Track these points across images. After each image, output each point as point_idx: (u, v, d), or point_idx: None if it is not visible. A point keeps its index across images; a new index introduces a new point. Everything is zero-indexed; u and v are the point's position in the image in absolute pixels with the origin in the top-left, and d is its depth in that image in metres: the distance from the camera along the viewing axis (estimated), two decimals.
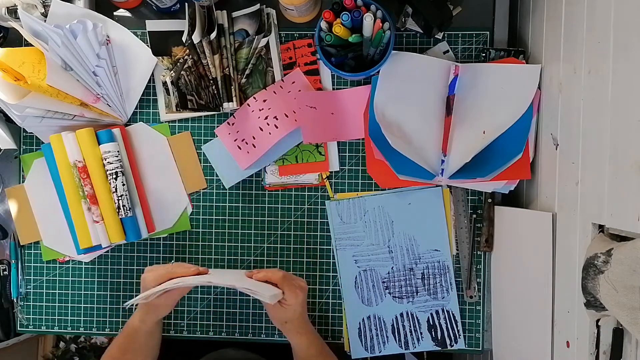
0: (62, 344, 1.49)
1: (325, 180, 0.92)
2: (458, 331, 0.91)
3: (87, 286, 0.96)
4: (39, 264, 0.96)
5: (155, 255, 0.95)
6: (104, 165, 0.86)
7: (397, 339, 0.92)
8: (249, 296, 0.91)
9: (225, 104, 0.88)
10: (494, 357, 0.91)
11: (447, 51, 0.90)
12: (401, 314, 0.91)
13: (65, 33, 0.81)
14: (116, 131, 0.88)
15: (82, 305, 0.96)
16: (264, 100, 0.89)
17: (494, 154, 0.82)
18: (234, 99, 0.88)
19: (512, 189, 0.86)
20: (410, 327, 0.91)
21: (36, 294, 0.96)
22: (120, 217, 0.86)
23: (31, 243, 0.95)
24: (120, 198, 0.86)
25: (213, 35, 0.85)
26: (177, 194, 0.92)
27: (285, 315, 0.79)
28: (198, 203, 0.93)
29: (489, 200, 0.88)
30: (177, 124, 0.93)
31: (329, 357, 0.84)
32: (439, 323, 0.91)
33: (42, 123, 0.86)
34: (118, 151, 0.87)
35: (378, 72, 0.85)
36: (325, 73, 0.91)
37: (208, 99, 0.89)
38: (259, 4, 0.89)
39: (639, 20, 0.51)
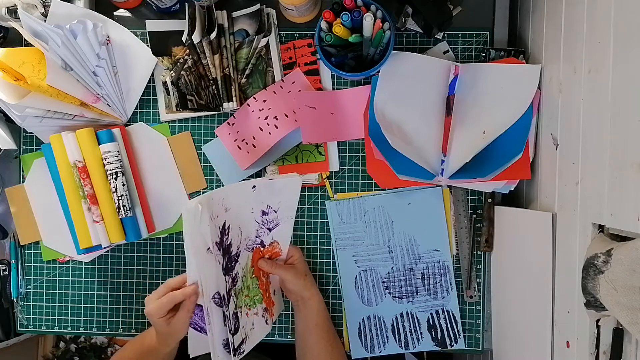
0: (62, 344, 1.49)
1: (325, 180, 0.92)
2: (458, 331, 0.91)
3: (87, 286, 0.96)
4: (39, 264, 0.96)
5: (155, 255, 0.95)
6: (104, 165, 0.86)
7: (397, 339, 0.92)
8: None
9: (225, 104, 0.88)
10: (494, 357, 0.91)
11: (447, 51, 0.90)
12: (401, 314, 0.91)
13: (65, 33, 0.81)
14: (116, 131, 0.88)
15: (82, 305, 0.96)
16: (264, 100, 0.89)
17: (494, 154, 0.82)
18: (234, 99, 0.88)
19: (512, 189, 0.86)
20: (410, 327, 0.91)
21: (36, 294, 0.96)
22: (120, 217, 0.86)
23: (31, 243, 0.95)
24: (120, 198, 0.86)
25: (213, 35, 0.85)
26: (177, 194, 0.92)
27: (301, 268, 0.86)
28: None
29: (489, 200, 0.88)
30: (177, 124, 0.93)
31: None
32: (439, 323, 0.91)
33: (42, 123, 0.86)
34: (118, 151, 0.87)
35: (378, 72, 0.85)
36: (325, 73, 0.91)
37: (208, 99, 0.89)
38: (259, 4, 0.89)
39: (639, 20, 0.51)
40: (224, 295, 0.72)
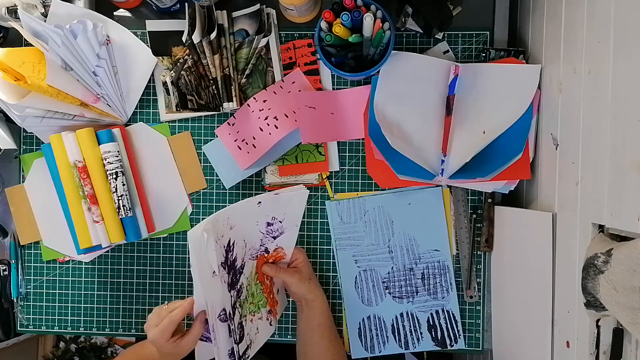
0: (62, 344, 1.49)
1: (325, 180, 0.92)
2: (458, 331, 0.91)
3: (87, 286, 0.96)
4: (39, 264, 0.96)
5: (155, 255, 0.95)
6: (104, 165, 0.86)
7: (397, 339, 0.92)
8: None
9: (225, 104, 0.88)
10: (494, 357, 0.91)
11: (447, 51, 0.90)
12: (401, 314, 0.91)
13: (65, 33, 0.81)
14: (116, 131, 0.88)
15: (82, 305, 0.96)
16: (264, 101, 0.89)
17: (494, 154, 0.83)
18: (234, 99, 0.88)
19: (512, 189, 0.86)
20: (410, 327, 0.91)
21: (36, 294, 0.96)
22: (120, 217, 0.86)
23: (31, 243, 0.95)
24: (120, 198, 0.86)
25: (213, 35, 0.85)
26: (177, 194, 0.92)
27: (306, 272, 0.86)
28: (198, 203, 0.93)
29: (489, 200, 0.88)
30: (177, 124, 0.93)
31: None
32: (439, 323, 0.91)
33: (42, 123, 0.86)
34: (118, 151, 0.87)
35: (378, 72, 0.85)
36: (325, 73, 0.91)
37: (208, 99, 0.89)
38: (259, 4, 0.89)
39: (639, 20, 0.51)
40: (229, 311, 0.74)
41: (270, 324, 0.86)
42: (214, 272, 0.70)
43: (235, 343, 0.75)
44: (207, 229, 0.66)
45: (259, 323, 0.83)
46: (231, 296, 0.75)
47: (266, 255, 0.83)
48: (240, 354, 0.76)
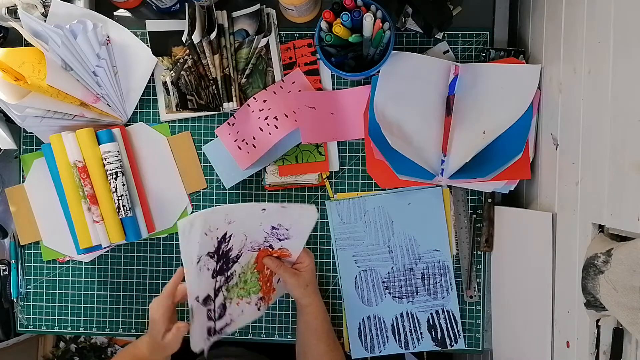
0: (62, 344, 1.49)
1: (325, 180, 0.92)
2: (458, 331, 0.91)
3: (87, 286, 0.96)
4: (39, 264, 0.96)
5: (155, 255, 0.95)
6: (104, 165, 0.86)
7: (397, 339, 0.92)
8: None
9: (225, 104, 0.88)
10: (494, 357, 0.91)
11: (447, 51, 0.90)
12: (401, 314, 0.91)
13: (65, 33, 0.82)
14: (116, 131, 0.88)
15: (82, 305, 0.96)
16: (264, 101, 0.89)
17: (494, 154, 0.83)
18: (234, 99, 0.88)
19: (512, 189, 0.86)
20: (410, 327, 0.91)
21: (36, 294, 0.96)
22: (120, 217, 0.86)
23: (31, 243, 0.95)
24: (120, 198, 0.86)
25: (213, 35, 0.85)
26: (177, 194, 0.92)
27: (306, 277, 0.83)
28: (198, 203, 0.94)
29: (489, 200, 0.88)
30: (177, 124, 0.93)
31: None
32: (439, 323, 0.91)
33: (42, 123, 0.86)
34: (118, 151, 0.87)
35: (378, 72, 0.85)
36: (325, 73, 0.91)
37: (208, 99, 0.89)
38: (259, 4, 0.89)
39: (639, 20, 0.51)
40: (208, 295, 0.77)
41: (259, 309, 0.86)
42: (199, 260, 0.73)
43: (212, 320, 0.78)
44: (193, 222, 0.69)
45: (246, 307, 0.83)
46: (216, 281, 0.77)
47: (270, 250, 0.83)
48: (216, 329, 0.79)
